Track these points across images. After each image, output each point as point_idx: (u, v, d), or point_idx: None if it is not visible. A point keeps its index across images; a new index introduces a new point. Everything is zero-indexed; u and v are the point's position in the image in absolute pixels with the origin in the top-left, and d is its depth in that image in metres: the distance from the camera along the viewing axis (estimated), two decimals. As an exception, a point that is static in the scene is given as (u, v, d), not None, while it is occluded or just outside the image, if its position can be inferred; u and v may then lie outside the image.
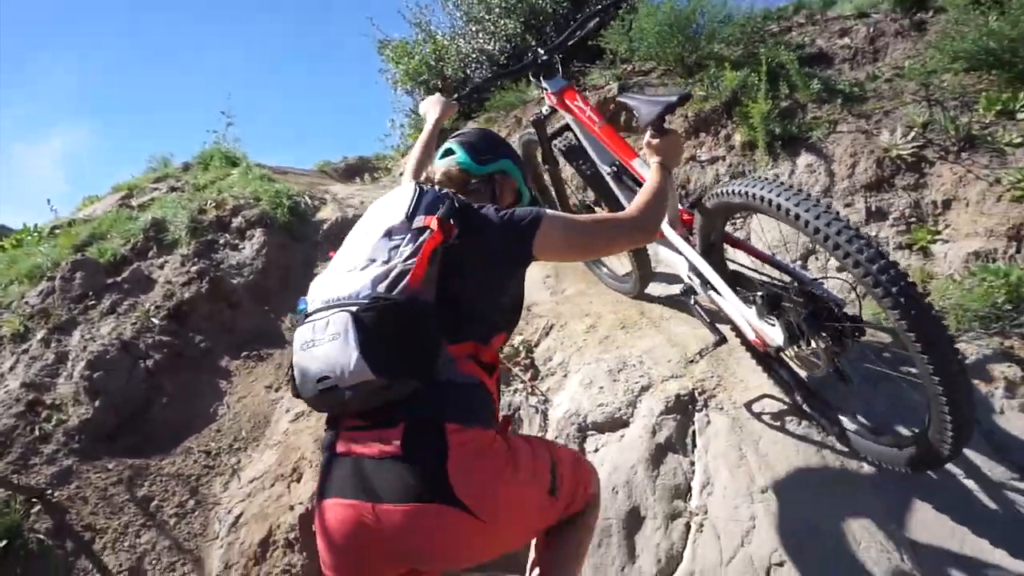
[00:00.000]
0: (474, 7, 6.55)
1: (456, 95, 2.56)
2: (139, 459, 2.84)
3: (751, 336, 2.14)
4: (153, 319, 3.37)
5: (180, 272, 3.63)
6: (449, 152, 1.88)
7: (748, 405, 2.40)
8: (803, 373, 2.22)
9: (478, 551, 1.43)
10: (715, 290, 2.20)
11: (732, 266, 2.29)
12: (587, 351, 2.90)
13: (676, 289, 2.48)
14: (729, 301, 2.14)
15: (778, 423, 2.33)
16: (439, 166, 1.85)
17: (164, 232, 4.02)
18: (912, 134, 3.19)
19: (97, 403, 2.98)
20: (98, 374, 3.05)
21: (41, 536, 2.47)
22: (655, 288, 3.16)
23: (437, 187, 1.68)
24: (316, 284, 1.52)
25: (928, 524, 1.98)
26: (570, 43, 2.60)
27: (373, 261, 1.46)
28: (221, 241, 3.92)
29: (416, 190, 1.60)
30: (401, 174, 6.49)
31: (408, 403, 1.37)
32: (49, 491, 2.63)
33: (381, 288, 1.38)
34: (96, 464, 2.79)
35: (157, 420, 3.03)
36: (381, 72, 7.27)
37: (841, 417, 2.18)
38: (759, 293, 2.06)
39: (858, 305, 1.94)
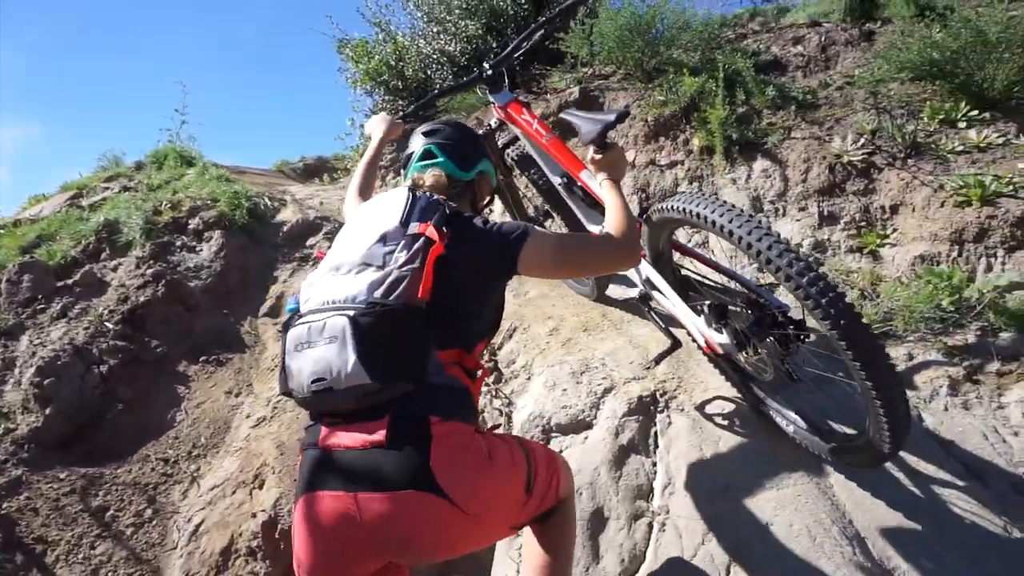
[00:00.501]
0: (435, 8, 6.52)
1: (401, 114, 2.53)
2: (93, 468, 2.76)
3: (701, 342, 2.22)
4: (107, 323, 3.27)
5: (135, 275, 3.54)
6: (429, 154, 1.88)
7: (702, 407, 2.47)
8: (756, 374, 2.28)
9: (456, 542, 1.45)
10: (666, 298, 2.28)
11: (684, 272, 2.36)
12: (550, 353, 2.93)
13: (634, 292, 2.54)
14: (679, 309, 2.22)
15: (734, 424, 2.40)
16: (424, 174, 1.83)
17: (117, 234, 3.91)
18: (862, 141, 3.30)
19: (48, 411, 2.89)
20: (49, 380, 2.95)
21: (-10, 550, 2.39)
22: (614, 291, 3.21)
23: (428, 192, 1.70)
24: (309, 285, 1.54)
25: (879, 518, 2.06)
26: (516, 56, 2.58)
27: (368, 266, 1.48)
28: (178, 243, 3.83)
29: (409, 196, 1.62)
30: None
31: (396, 401, 1.40)
32: (-3, 503, 2.55)
33: (378, 294, 1.41)
34: (47, 474, 2.70)
35: (112, 427, 2.95)
36: (340, 71, 7.18)
37: (792, 417, 2.27)
38: (706, 302, 2.12)
39: (803, 309, 1.93)
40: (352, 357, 1.34)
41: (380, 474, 1.33)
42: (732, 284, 2.14)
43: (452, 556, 1.51)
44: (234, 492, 2.49)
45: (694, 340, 2.39)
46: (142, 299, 3.40)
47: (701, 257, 2.28)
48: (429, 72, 6.47)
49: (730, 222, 1.76)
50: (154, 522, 2.58)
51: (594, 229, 2.47)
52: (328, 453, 1.39)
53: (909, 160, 3.14)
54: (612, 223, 1.75)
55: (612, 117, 1.96)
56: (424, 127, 1.98)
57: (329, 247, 1.63)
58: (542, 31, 2.55)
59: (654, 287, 2.35)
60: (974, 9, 3.87)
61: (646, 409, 2.50)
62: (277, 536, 2.31)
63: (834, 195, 3.25)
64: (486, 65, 2.55)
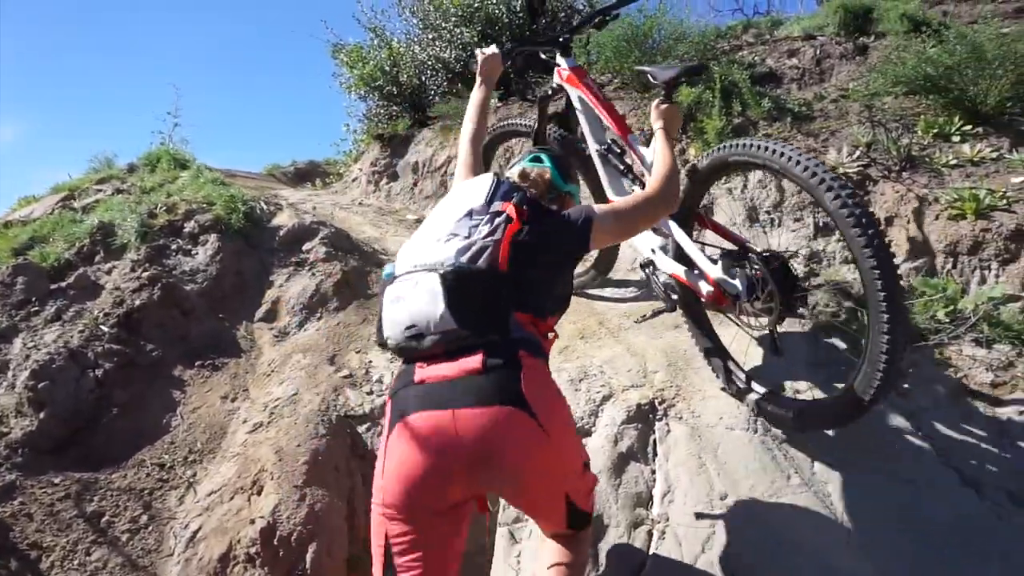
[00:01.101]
0: (431, 15, 6.56)
1: (505, 49, 2.76)
2: (88, 473, 2.73)
3: (707, 291, 2.31)
4: (102, 327, 3.24)
5: (130, 278, 3.52)
6: (538, 159, 2.09)
7: (700, 414, 2.50)
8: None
9: (536, 463, 1.58)
10: (680, 252, 2.46)
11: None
12: (548, 361, 2.94)
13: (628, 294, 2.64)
14: (695, 256, 2.36)
15: (732, 432, 2.42)
16: (530, 168, 2.04)
17: (112, 236, 3.89)
18: (857, 153, 3.34)
19: (42, 414, 2.86)
20: (43, 384, 2.93)
21: (-17, 556, 2.36)
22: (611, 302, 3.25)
23: (519, 181, 1.96)
24: (403, 252, 1.79)
25: (879, 524, 2.08)
26: (586, 27, 3.04)
27: (455, 236, 1.72)
28: (173, 246, 3.81)
29: (494, 180, 1.88)
30: (354, 179, 6.47)
31: (486, 344, 1.60)
32: (-10, 508, 2.52)
33: (464, 259, 1.65)
34: (41, 479, 2.67)
35: (107, 432, 2.92)
36: (334, 76, 7.19)
37: (757, 387, 2.45)
38: (725, 250, 2.32)
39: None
40: (441, 307, 1.58)
41: (476, 392, 1.54)
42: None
43: (529, 483, 1.63)
44: (232, 498, 2.48)
45: (693, 297, 2.56)
46: (137, 302, 3.38)
47: (719, 226, 2.50)
48: (424, 78, 6.50)
49: (793, 154, 1.97)
50: (150, 528, 2.55)
51: (615, 199, 2.69)
52: (423, 384, 1.58)
53: (904, 173, 3.18)
54: (659, 174, 2.02)
55: (693, 64, 2.40)
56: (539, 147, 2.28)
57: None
58: (604, 15, 2.88)
59: (666, 245, 2.56)
60: (968, 25, 3.95)
61: (645, 417, 2.52)
62: (276, 542, 2.30)
63: (830, 206, 3.28)
64: (565, 31, 2.98)
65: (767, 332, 2.26)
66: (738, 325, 2.39)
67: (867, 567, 1.98)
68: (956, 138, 3.29)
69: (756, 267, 2.16)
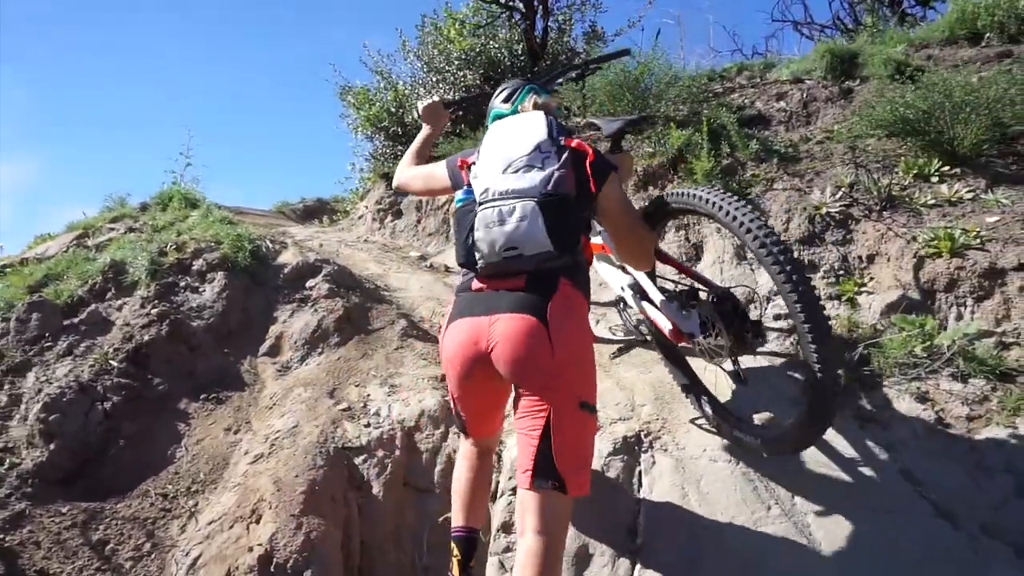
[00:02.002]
0: (435, 58, 6.80)
1: (449, 102, 2.90)
2: (94, 502, 2.83)
3: (667, 329, 2.41)
4: (112, 361, 3.37)
5: (140, 314, 3.65)
6: (532, 90, 2.38)
7: (684, 447, 2.57)
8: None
9: (540, 366, 1.87)
10: (643, 291, 2.64)
11: (660, 282, 2.67)
12: (541, 394, 3.04)
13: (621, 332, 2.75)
14: (654, 296, 2.55)
15: (716, 464, 2.49)
16: (540, 98, 2.34)
17: (123, 274, 4.04)
18: (840, 193, 3.46)
19: (52, 446, 2.97)
20: (54, 416, 3.04)
21: (-8, 582, 2.45)
22: (600, 332, 3.34)
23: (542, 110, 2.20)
24: (482, 181, 1.97)
25: (856, 554, 2.14)
26: (555, 80, 2.99)
27: (532, 167, 1.93)
28: (182, 284, 3.95)
29: (547, 118, 2.07)
30: (360, 217, 6.63)
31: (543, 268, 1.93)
32: (1, 536, 2.61)
33: (549, 187, 1.87)
34: (50, 508, 2.77)
35: (114, 463, 3.02)
36: (342, 117, 7.43)
37: (730, 416, 2.56)
38: (679, 289, 2.54)
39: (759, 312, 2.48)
40: (542, 231, 1.84)
41: (513, 303, 1.90)
42: (702, 287, 2.46)
43: (533, 378, 1.90)
44: (231, 527, 2.56)
45: (660, 334, 2.61)
46: (146, 338, 3.50)
47: (679, 264, 2.63)
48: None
49: (727, 203, 2.12)
50: (152, 556, 2.64)
51: (593, 240, 2.85)
52: (480, 292, 1.99)
53: (884, 212, 3.30)
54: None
55: (633, 117, 2.58)
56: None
57: None
58: (575, 72, 2.97)
59: (635, 283, 2.73)
60: (952, 68, 4.10)
61: (631, 449, 2.60)
62: (272, 570, 2.38)
63: (814, 244, 3.39)
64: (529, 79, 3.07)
65: (731, 365, 2.36)
66: (704, 359, 2.48)
67: (841, 595, 2.04)
68: (935, 179, 3.40)
69: (709, 306, 2.30)
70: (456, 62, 6.60)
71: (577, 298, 2.01)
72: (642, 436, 2.65)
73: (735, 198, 2.12)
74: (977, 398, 2.58)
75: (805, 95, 4.47)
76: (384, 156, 6.93)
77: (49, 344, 3.56)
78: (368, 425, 3.01)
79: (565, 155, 1.95)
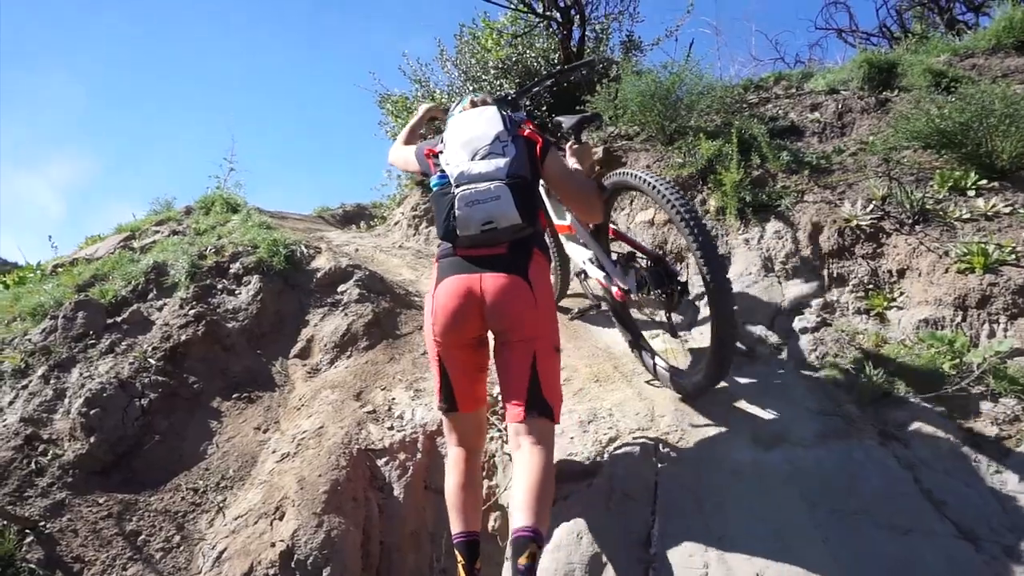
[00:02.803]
0: (472, 67, 6.87)
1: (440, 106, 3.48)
2: (129, 494, 2.95)
3: (613, 290, 2.96)
4: (150, 359, 3.51)
5: (178, 315, 3.79)
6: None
7: (700, 455, 2.57)
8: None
9: (525, 316, 2.30)
10: (598, 261, 3.10)
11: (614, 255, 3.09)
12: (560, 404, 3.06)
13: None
14: (606, 264, 3.02)
15: (731, 474, 2.48)
16: (477, 97, 2.82)
17: (164, 275, 4.19)
18: (872, 206, 3.41)
19: (92, 439, 3.10)
20: (94, 411, 3.18)
21: (33, 566, 2.56)
22: (617, 337, 3.35)
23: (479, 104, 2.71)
24: (454, 167, 2.33)
25: (875, 572, 2.11)
26: (526, 93, 3.52)
27: (493, 154, 2.34)
28: (219, 286, 4.09)
29: (500, 112, 2.49)
30: (396, 223, 6.74)
31: (525, 238, 2.36)
32: (42, 523, 2.73)
33: (513, 170, 2.29)
34: (88, 498, 2.90)
35: (148, 457, 3.14)
36: (380, 124, 7.56)
37: (660, 360, 3.05)
38: (621, 254, 3.00)
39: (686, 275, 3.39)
40: (513, 207, 2.24)
41: (499, 264, 2.30)
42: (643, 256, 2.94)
43: (515, 327, 2.31)
44: (256, 522, 2.65)
45: (610, 295, 3.19)
46: (183, 338, 3.64)
47: (628, 238, 3.10)
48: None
49: (653, 180, 2.66)
50: (181, 548, 2.74)
51: (561, 223, 3.51)
52: (466, 256, 2.33)
53: (917, 226, 3.24)
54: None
55: (588, 114, 3.14)
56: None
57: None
58: (549, 81, 3.59)
59: (593, 257, 3.18)
60: (997, 79, 4.00)
61: (648, 458, 2.60)
62: (293, 565, 2.45)
63: (843, 258, 3.35)
64: (511, 92, 3.66)
65: (664, 320, 2.90)
66: (644, 314, 3.22)
67: (855, 614, 2.02)
68: (971, 192, 3.33)
69: (644, 268, 2.84)
70: (493, 71, 6.66)
71: (544, 261, 2.45)
72: (660, 447, 2.65)
73: (659, 178, 2.66)
74: (1007, 418, 2.52)
75: (840, 106, 4.41)
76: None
77: (93, 342, 3.72)
78: (392, 428, 3.07)
79: (520, 143, 2.39)
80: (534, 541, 2.03)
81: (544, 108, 6.72)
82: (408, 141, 3.10)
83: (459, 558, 2.27)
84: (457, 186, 2.30)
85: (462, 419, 2.46)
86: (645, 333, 3.32)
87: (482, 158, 2.33)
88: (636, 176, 2.76)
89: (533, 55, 6.78)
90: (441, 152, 2.44)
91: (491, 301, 2.28)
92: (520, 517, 2.08)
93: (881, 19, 10.48)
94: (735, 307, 2.58)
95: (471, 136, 2.40)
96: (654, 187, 2.61)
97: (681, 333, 3.43)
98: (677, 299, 2.74)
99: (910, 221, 3.27)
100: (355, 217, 8.60)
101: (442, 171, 2.39)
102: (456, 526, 2.31)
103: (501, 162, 2.31)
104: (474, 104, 2.74)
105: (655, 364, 3.04)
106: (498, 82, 6.68)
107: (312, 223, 7.63)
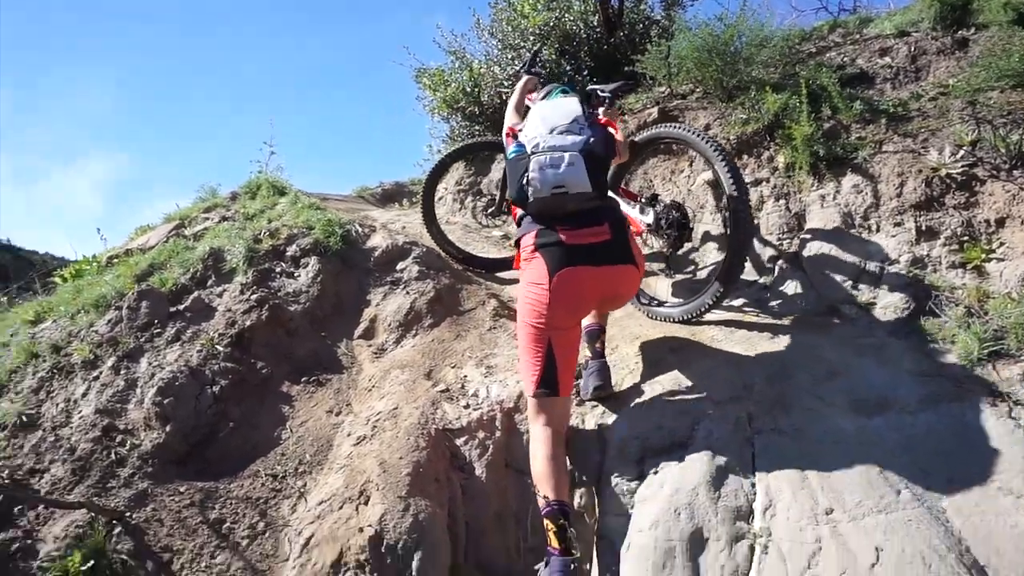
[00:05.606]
0: (509, 35, 6.67)
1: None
2: (209, 482, 2.93)
3: (634, 228, 3.29)
4: (217, 346, 3.48)
5: (240, 300, 3.76)
6: (566, 91, 3.12)
7: (800, 426, 2.44)
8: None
9: (630, 292, 2.85)
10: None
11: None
12: (640, 374, 2.95)
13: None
14: (626, 207, 3.42)
15: (836, 444, 2.36)
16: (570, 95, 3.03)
17: (221, 261, 4.16)
18: (961, 153, 3.20)
19: (168, 428, 3.09)
20: (168, 400, 3.17)
21: (124, 557, 2.56)
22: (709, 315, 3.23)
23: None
24: (532, 138, 2.62)
25: (999, 545, 1.98)
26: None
27: (571, 132, 2.60)
28: (277, 269, 4.04)
29: (581, 102, 2.79)
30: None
31: (604, 209, 2.62)
32: (128, 513, 2.73)
33: (587, 146, 2.54)
34: (169, 487, 2.89)
35: (223, 444, 3.13)
36: (418, 99, 7.41)
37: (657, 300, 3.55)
38: (646, 197, 3.49)
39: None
40: (584, 174, 2.49)
41: (612, 256, 2.55)
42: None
43: (624, 300, 2.98)
44: (341, 507, 2.60)
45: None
46: (248, 323, 3.60)
47: (633, 193, 3.65)
48: (504, 97, 6.61)
49: (685, 131, 3.32)
50: (267, 534, 2.72)
51: None
52: (576, 245, 2.50)
53: (1015, 171, 3.03)
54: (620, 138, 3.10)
55: (624, 82, 3.49)
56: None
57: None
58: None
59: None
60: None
61: (743, 429, 2.49)
62: (383, 551, 2.40)
63: (932, 209, 3.15)
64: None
65: (670, 252, 3.57)
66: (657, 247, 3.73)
67: (989, 587, 1.90)
68: (1072, 131, 3.09)
69: (661, 210, 3.29)
70: (531, 37, 6.45)
71: (631, 230, 2.79)
72: (754, 416, 2.53)
73: (683, 124, 3.46)
74: None
75: (913, 48, 4.14)
76: (461, 137, 6.89)
77: (158, 330, 3.71)
78: (467, 406, 2.99)
79: (598, 127, 2.68)
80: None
81: (585, 73, 6.52)
82: (515, 116, 3.32)
83: (550, 526, 2.28)
84: (533, 153, 2.56)
85: (561, 403, 2.56)
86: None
87: (560, 133, 2.60)
88: (665, 128, 3.44)
89: (571, 18, 6.55)
90: (521, 130, 2.74)
91: (612, 295, 2.72)
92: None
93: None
94: (752, 220, 3.26)
95: (551, 116, 2.69)
96: (679, 130, 3.32)
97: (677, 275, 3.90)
98: (683, 240, 3.30)
99: (1007, 166, 3.06)
100: (395, 195, 8.50)
101: (519, 142, 2.66)
102: (549, 495, 2.33)
103: (577, 138, 2.57)
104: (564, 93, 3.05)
105: (647, 300, 3.53)
106: (536, 48, 6.48)
107: (353, 203, 7.56)
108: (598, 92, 3.30)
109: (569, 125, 2.62)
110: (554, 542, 2.25)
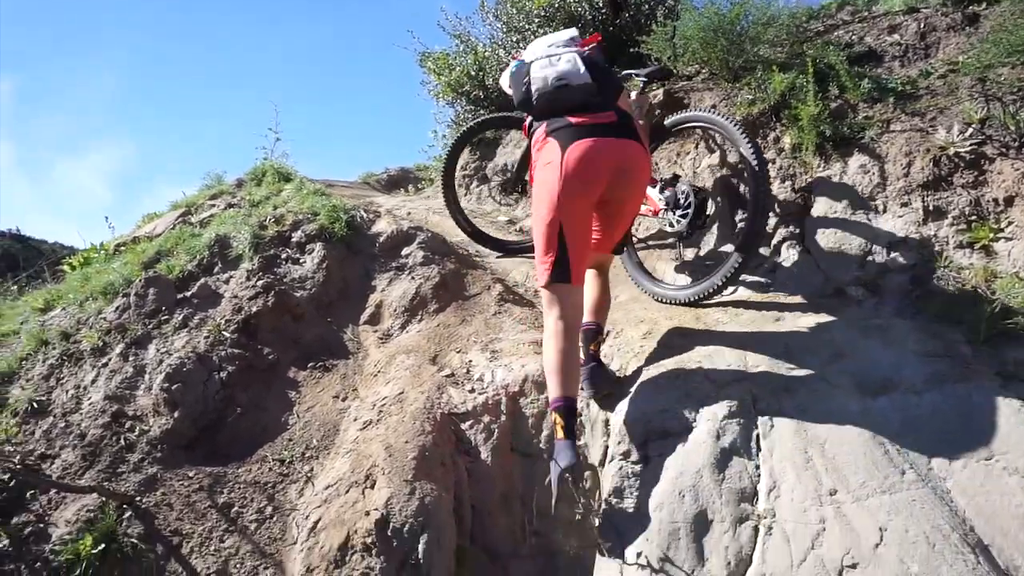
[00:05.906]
0: (514, 17, 6.61)
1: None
2: (217, 467, 2.97)
3: (655, 207, 3.46)
4: (224, 332, 3.51)
5: (246, 286, 3.78)
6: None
7: (805, 407, 2.43)
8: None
9: (641, 179, 2.79)
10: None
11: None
12: (645, 357, 2.95)
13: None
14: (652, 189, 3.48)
15: (840, 425, 2.35)
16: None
17: (228, 248, 4.18)
18: (970, 131, 3.15)
19: (176, 414, 3.12)
20: (176, 386, 3.20)
21: (134, 540, 2.61)
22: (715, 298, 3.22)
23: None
24: (531, 54, 2.86)
25: (1003, 524, 1.98)
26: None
27: (567, 48, 2.79)
28: (283, 255, 4.06)
29: (575, 30, 2.99)
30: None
31: (610, 104, 2.69)
32: (138, 498, 2.77)
33: (585, 54, 2.74)
34: (178, 472, 2.93)
35: (231, 430, 3.16)
36: (423, 84, 7.37)
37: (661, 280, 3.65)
38: (666, 178, 3.57)
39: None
40: (584, 69, 2.65)
41: (618, 131, 2.62)
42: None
43: (636, 192, 2.86)
44: (347, 491, 2.63)
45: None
46: (254, 309, 3.62)
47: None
48: (510, 81, 6.57)
49: (715, 116, 3.41)
50: (274, 518, 2.75)
51: None
52: (585, 123, 2.59)
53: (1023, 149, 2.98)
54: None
55: (659, 68, 3.88)
56: None
57: None
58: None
59: None
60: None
61: (747, 411, 2.49)
62: (390, 533, 2.43)
63: (940, 189, 3.11)
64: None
65: (680, 233, 3.41)
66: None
67: (995, 568, 1.89)
68: (1084, 109, 3.04)
69: (679, 195, 3.36)
70: (535, 20, 6.39)
71: (640, 127, 2.88)
72: (758, 398, 2.53)
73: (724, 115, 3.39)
74: None
75: (923, 25, 4.07)
76: (466, 121, 6.86)
77: (166, 317, 3.74)
78: (473, 391, 3.01)
79: (587, 46, 2.87)
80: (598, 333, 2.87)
81: (591, 54, 6.44)
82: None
83: (558, 420, 2.39)
84: (532, 61, 2.77)
85: (573, 291, 2.61)
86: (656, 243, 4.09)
87: (557, 47, 2.82)
88: (694, 113, 3.56)
89: (576, 0, 6.49)
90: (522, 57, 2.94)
91: (625, 167, 2.63)
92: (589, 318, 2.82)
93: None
94: (770, 189, 3.37)
95: (549, 38, 2.95)
96: (704, 114, 3.44)
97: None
98: (700, 220, 3.33)
99: (1016, 144, 3.01)
100: (400, 181, 8.50)
101: (521, 59, 2.88)
102: (557, 391, 2.42)
103: (573, 48, 2.78)
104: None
105: (650, 282, 3.58)
106: (541, 31, 6.42)
107: (359, 189, 7.57)
108: (633, 75, 3.42)
109: (566, 42, 2.85)
110: (560, 434, 2.36)
